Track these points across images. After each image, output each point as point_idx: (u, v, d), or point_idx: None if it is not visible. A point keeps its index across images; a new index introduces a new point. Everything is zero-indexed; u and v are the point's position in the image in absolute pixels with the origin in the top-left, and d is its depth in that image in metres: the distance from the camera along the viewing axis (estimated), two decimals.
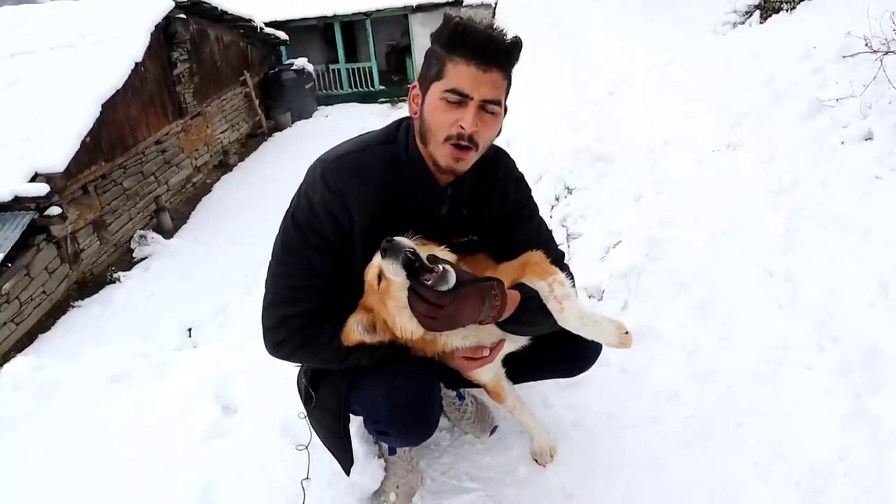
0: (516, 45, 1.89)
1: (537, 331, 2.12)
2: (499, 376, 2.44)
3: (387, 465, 2.58)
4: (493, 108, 1.90)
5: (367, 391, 2.07)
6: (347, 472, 2.36)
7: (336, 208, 1.95)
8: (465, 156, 1.91)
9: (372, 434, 2.39)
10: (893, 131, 4.05)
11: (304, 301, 1.99)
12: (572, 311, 1.99)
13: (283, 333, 2.02)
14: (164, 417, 3.08)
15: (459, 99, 1.86)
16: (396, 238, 1.81)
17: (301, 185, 2.04)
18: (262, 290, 2.10)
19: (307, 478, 2.52)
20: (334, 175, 1.96)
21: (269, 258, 2.07)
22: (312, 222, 1.96)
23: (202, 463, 2.75)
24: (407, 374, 2.04)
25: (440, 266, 1.76)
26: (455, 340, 2.06)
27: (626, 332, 1.99)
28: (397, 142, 2.05)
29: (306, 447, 2.56)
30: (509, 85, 1.97)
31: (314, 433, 2.42)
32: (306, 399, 2.30)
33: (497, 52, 1.85)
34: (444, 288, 1.75)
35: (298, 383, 2.38)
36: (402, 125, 2.09)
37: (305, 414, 2.37)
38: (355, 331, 1.98)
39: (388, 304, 1.91)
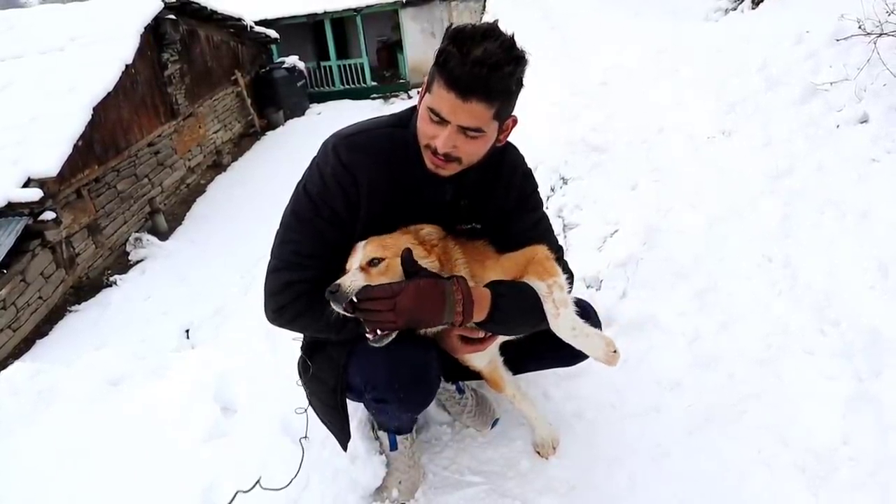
0: (503, 78, 1.80)
1: (517, 331, 2.16)
2: (495, 364, 2.45)
3: (388, 460, 2.57)
4: (472, 133, 1.88)
5: (364, 357, 2.08)
6: (345, 448, 2.38)
7: (346, 181, 2.02)
8: (444, 166, 1.96)
9: (370, 410, 2.42)
10: (888, 113, 4.03)
11: (309, 268, 2.05)
12: (567, 320, 2.03)
13: (285, 298, 2.07)
14: (164, 419, 3.07)
15: (438, 119, 1.87)
16: (342, 290, 1.84)
17: (314, 158, 2.11)
18: (260, 290, 2.14)
19: (305, 437, 2.59)
20: (346, 149, 2.04)
21: (278, 228, 2.14)
22: (323, 193, 2.04)
23: (203, 464, 2.74)
24: (404, 340, 2.05)
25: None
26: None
27: (615, 351, 2.04)
28: (409, 127, 2.09)
29: (305, 410, 2.60)
30: (505, 105, 1.90)
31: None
32: (303, 370, 2.35)
33: (474, 87, 1.77)
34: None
35: (298, 363, 2.42)
36: (414, 111, 2.12)
37: (301, 383, 2.41)
38: None
39: None
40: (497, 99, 1.84)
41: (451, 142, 1.87)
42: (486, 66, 1.75)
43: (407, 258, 1.89)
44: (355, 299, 1.82)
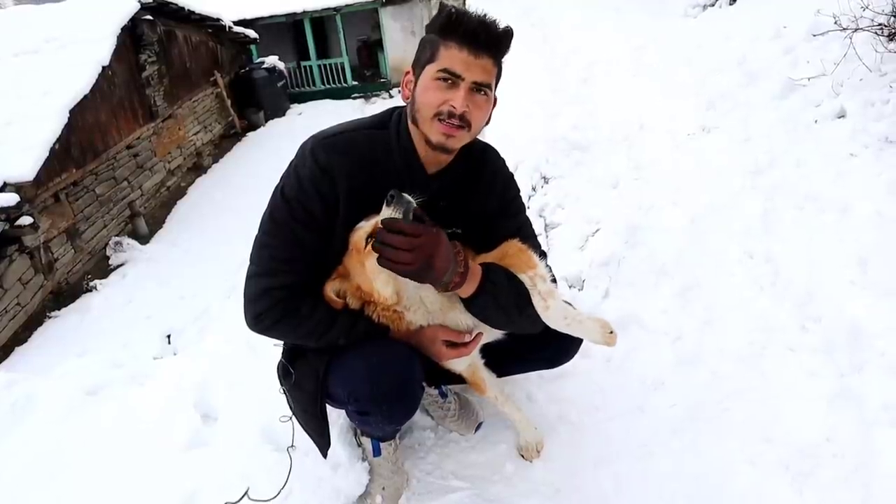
0: (507, 34, 1.96)
1: (502, 316, 2.09)
2: (476, 366, 2.43)
3: (371, 467, 2.54)
4: (483, 90, 1.96)
5: (346, 368, 2.07)
6: (324, 455, 2.37)
7: (323, 184, 2.00)
8: (455, 133, 1.96)
9: (353, 421, 2.38)
10: (865, 108, 4.05)
11: (288, 273, 2.03)
12: (557, 311, 2.02)
13: (264, 304, 2.04)
14: (144, 428, 3.03)
15: (451, 80, 1.91)
16: (403, 193, 1.85)
17: (292, 162, 2.08)
18: (241, 295, 2.11)
19: (293, 446, 2.59)
20: (323, 152, 2.01)
21: (256, 232, 2.11)
22: (300, 197, 2.01)
23: (184, 473, 2.70)
24: (385, 349, 2.06)
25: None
26: (419, 318, 2.10)
27: (612, 332, 2.02)
28: (388, 128, 2.10)
29: (290, 419, 2.60)
30: (499, 74, 2.03)
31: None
32: (284, 376, 2.33)
33: (488, 40, 1.92)
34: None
35: (278, 368, 2.40)
36: (394, 112, 2.14)
37: (282, 389, 2.40)
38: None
39: (367, 264, 1.94)
40: (499, 58, 1.99)
41: (466, 100, 1.92)
42: (493, 23, 1.93)
43: (413, 208, 1.84)
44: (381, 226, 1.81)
